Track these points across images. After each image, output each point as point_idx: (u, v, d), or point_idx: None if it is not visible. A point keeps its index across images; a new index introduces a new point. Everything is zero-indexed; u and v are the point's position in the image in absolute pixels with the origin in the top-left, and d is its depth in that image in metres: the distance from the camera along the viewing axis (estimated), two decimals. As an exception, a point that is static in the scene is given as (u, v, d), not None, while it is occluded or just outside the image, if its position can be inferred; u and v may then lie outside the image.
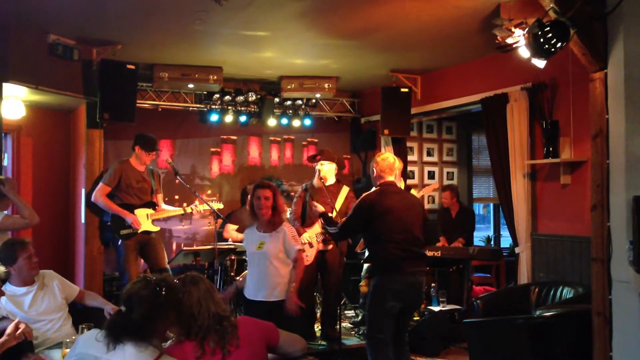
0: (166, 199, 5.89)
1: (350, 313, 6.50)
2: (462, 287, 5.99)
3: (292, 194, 6.97)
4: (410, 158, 7.50)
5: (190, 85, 6.32)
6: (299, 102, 7.10)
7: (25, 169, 5.87)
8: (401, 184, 5.28)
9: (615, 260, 3.47)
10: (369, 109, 7.49)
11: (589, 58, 3.56)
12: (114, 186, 5.33)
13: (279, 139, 7.52)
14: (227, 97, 6.72)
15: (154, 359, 2.01)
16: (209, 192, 7.00)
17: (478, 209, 12.53)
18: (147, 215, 5.44)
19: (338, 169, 5.65)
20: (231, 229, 6.19)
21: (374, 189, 4.12)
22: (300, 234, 5.27)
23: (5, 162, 5.51)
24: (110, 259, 5.89)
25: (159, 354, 2.04)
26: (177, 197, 6.51)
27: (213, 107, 6.71)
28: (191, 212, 5.81)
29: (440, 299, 5.79)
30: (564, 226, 4.99)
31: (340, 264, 5.49)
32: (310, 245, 5.31)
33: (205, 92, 6.66)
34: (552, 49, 3.37)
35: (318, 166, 5.44)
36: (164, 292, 2.10)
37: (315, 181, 5.44)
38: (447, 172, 8.07)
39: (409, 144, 7.38)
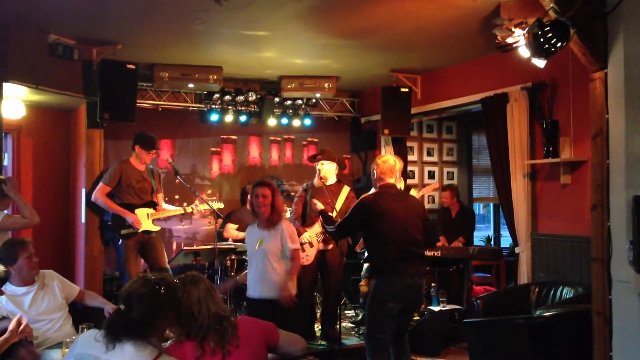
0: (166, 198, 5.89)
1: (350, 313, 6.50)
2: (462, 287, 5.99)
3: (292, 193, 6.97)
4: (410, 158, 7.50)
5: (191, 85, 6.32)
6: (299, 101, 7.10)
7: (26, 168, 5.87)
8: (401, 184, 5.28)
9: (615, 260, 3.46)
10: (369, 109, 7.49)
11: (589, 58, 3.56)
12: (114, 186, 5.33)
13: (279, 139, 7.52)
14: (227, 97, 6.72)
15: (152, 358, 2.01)
16: (209, 191, 7.00)
17: (478, 208, 12.54)
18: (148, 214, 5.44)
19: (339, 168, 5.65)
20: (231, 229, 6.20)
21: (372, 190, 4.13)
22: (300, 234, 5.28)
23: (5, 162, 5.51)
24: (110, 258, 5.89)
25: (157, 353, 2.04)
26: (177, 196, 6.51)
27: (213, 106, 6.71)
28: (191, 212, 5.81)
29: (440, 299, 5.79)
30: (564, 226, 4.99)
31: (340, 264, 5.49)
32: (311, 244, 5.31)
33: (206, 92, 6.66)
34: (552, 49, 3.37)
35: (318, 166, 5.45)
36: (163, 291, 2.10)
37: (316, 181, 5.44)
38: (447, 172, 8.07)
39: (409, 144, 7.39)
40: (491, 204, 9.44)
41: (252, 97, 6.83)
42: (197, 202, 5.68)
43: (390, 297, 3.88)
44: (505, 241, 8.28)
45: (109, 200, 5.32)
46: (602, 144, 3.57)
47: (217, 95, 6.64)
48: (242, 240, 5.69)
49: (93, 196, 5.34)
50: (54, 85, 5.19)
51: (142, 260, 5.63)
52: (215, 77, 6.18)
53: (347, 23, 4.80)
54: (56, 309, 3.69)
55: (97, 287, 5.44)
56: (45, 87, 5.08)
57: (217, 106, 6.72)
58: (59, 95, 5.33)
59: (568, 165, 4.92)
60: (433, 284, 5.99)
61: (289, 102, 7.07)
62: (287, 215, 5.57)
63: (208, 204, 5.53)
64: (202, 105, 6.74)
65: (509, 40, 4.03)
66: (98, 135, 5.68)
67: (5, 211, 4.29)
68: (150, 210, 5.48)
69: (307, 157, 7.31)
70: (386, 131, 6.50)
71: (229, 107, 6.77)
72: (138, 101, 5.85)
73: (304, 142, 7.68)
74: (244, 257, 5.65)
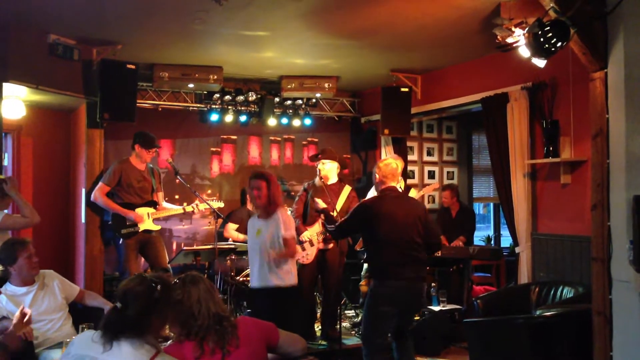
0: (166, 198, 5.89)
1: (351, 313, 6.50)
2: (463, 287, 5.99)
3: (292, 193, 6.97)
4: (410, 158, 7.50)
5: (191, 85, 6.32)
6: (299, 101, 7.09)
7: (26, 168, 5.87)
8: (401, 184, 5.28)
9: (615, 260, 3.47)
10: (369, 109, 7.49)
11: (589, 57, 3.56)
12: (114, 185, 5.33)
13: (279, 139, 7.52)
14: (227, 97, 6.72)
15: (150, 358, 2.01)
16: (209, 191, 7.00)
17: (478, 208, 12.53)
18: (148, 214, 5.45)
19: (341, 168, 5.64)
20: (231, 228, 6.20)
21: (371, 191, 4.15)
22: (301, 233, 5.29)
23: (5, 162, 5.51)
24: (110, 258, 5.89)
25: (155, 352, 2.04)
26: (177, 196, 6.51)
27: (213, 106, 6.71)
28: (192, 211, 5.80)
29: (441, 299, 5.79)
30: (564, 226, 4.99)
31: (340, 264, 5.49)
32: (311, 243, 5.32)
33: (206, 92, 6.66)
34: (552, 49, 3.37)
35: (319, 165, 5.45)
36: (159, 288, 2.11)
37: (317, 180, 5.45)
38: (447, 172, 8.07)
39: (409, 144, 7.39)
40: (491, 204, 9.44)
41: (252, 97, 6.83)
42: (197, 201, 5.68)
43: (386, 300, 3.91)
44: (506, 241, 8.28)
45: (109, 199, 5.32)
46: (603, 144, 3.57)
47: (217, 95, 6.64)
48: (242, 242, 5.70)
49: (92, 196, 5.35)
50: (54, 85, 5.19)
51: (143, 260, 5.63)
52: (215, 77, 6.18)
53: (347, 23, 4.80)
54: (56, 309, 3.69)
55: (97, 287, 5.44)
56: (45, 87, 5.08)
57: (217, 106, 6.72)
58: (59, 95, 5.33)
59: (568, 165, 4.92)
60: (433, 284, 5.98)
61: (289, 102, 7.06)
62: (288, 213, 5.57)
63: (208, 204, 5.53)
64: (202, 105, 6.74)
65: (509, 40, 4.03)
66: (98, 135, 5.68)
67: (6, 211, 4.29)
68: (151, 210, 5.48)
69: (309, 156, 7.31)
70: (386, 131, 6.50)
71: (229, 107, 6.77)
72: (138, 101, 5.85)
73: (304, 142, 7.68)
74: (244, 257, 5.65)
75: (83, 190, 5.68)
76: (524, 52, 3.77)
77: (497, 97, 5.48)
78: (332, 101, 7.48)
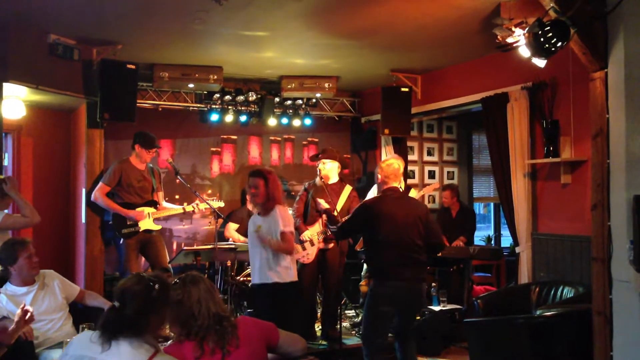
0: (166, 198, 5.89)
1: (351, 313, 6.50)
2: (463, 287, 5.99)
3: (293, 193, 6.97)
4: (410, 157, 7.50)
5: (191, 85, 6.32)
6: (299, 101, 7.09)
7: (26, 168, 5.87)
8: (402, 184, 5.28)
9: (615, 260, 3.46)
10: (370, 109, 7.49)
11: (590, 57, 3.56)
12: (114, 185, 5.33)
13: (279, 139, 7.52)
14: (228, 97, 6.72)
15: (149, 357, 2.01)
16: (210, 191, 7.00)
17: (478, 208, 12.53)
18: (149, 214, 5.44)
19: (341, 168, 5.64)
20: (232, 228, 6.20)
21: (371, 191, 4.16)
22: (302, 232, 5.29)
23: (5, 162, 5.51)
24: (110, 258, 5.89)
25: (154, 351, 2.04)
26: (177, 196, 6.51)
27: (213, 106, 6.71)
28: (192, 210, 5.79)
29: (441, 299, 5.79)
30: (565, 225, 4.99)
31: (340, 263, 5.49)
32: (312, 243, 5.32)
33: (206, 92, 6.66)
34: (553, 49, 3.37)
35: (320, 165, 5.45)
36: (156, 287, 2.11)
37: (317, 180, 5.45)
38: (448, 172, 8.07)
39: (409, 144, 7.38)
40: (491, 204, 9.44)
41: (252, 97, 6.83)
42: (197, 201, 5.68)
43: (384, 301, 3.94)
44: (506, 241, 8.28)
45: (108, 199, 5.32)
46: (603, 144, 3.57)
47: (217, 95, 6.64)
48: (243, 243, 5.69)
49: (93, 196, 5.35)
50: (54, 85, 5.19)
51: (143, 260, 5.63)
52: (216, 77, 6.18)
53: (347, 23, 4.80)
54: (56, 309, 3.69)
55: (98, 287, 5.44)
56: (45, 87, 5.08)
57: (217, 106, 6.72)
58: (59, 95, 5.33)
59: (568, 164, 4.92)
60: (433, 284, 5.98)
61: (289, 102, 7.06)
62: (290, 212, 5.56)
63: (208, 203, 5.53)
64: (202, 105, 6.74)
65: (509, 40, 4.03)
66: (98, 135, 5.68)
67: (6, 210, 4.29)
68: (151, 209, 5.48)
69: (309, 156, 7.32)
70: (386, 131, 6.50)
71: (229, 107, 6.77)
72: (138, 101, 5.85)
73: (304, 142, 7.68)
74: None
75: (83, 190, 5.68)
76: (524, 52, 3.77)
77: (497, 97, 5.48)
78: (332, 101, 7.48)
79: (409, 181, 7.33)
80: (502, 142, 5.43)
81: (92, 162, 5.65)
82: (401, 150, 6.91)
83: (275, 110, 7.06)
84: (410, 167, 7.51)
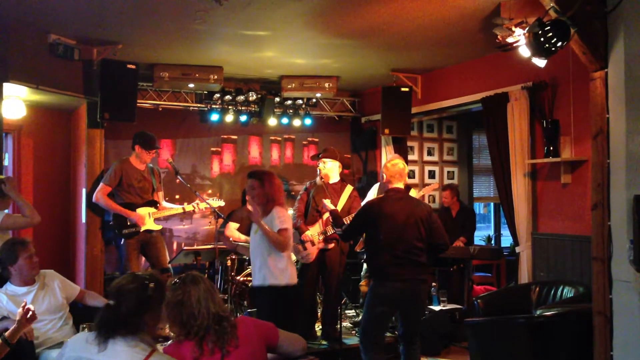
0: (166, 198, 5.89)
1: (351, 312, 6.50)
2: (463, 287, 5.99)
3: (293, 193, 6.97)
4: (410, 157, 7.50)
5: (191, 85, 6.32)
6: (300, 101, 7.09)
7: (26, 168, 5.87)
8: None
9: (615, 260, 3.46)
10: (370, 109, 7.49)
11: (590, 57, 3.56)
12: (115, 186, 5.33)
13: (279, 139, 7.52)
14: (228, 97, 6.72)
15: (145, 357, 2.01)
16: (210, 191, 7.00)
17: (478, 208, 12.54)
18: (149, 214, 5.44)
19: (343, 167, 5.63)
20: (233, 227, 6.19)
21: (371, 191, 4.17)
22: (302, 232, 5.29)
23: (6, 162, 5.51)
24: (111, 258, 5.89)
25: (150, 351, 2.04)
26: (177, 196, 6.51)
27: (213, 106, 6.71)
28: (192, 210, 5.79)
29: (441, 299, 5.79)
30: (565, 225, 4.99)
31: (340, 263, 5.48)
32: (312, 243, 5.31)
33: (206, 92, 6.66)
34: (553, 48, 3.37)
35: (320, 164, 5.44)
36: (152, 286, 2.12)
37: (318, 179, 5.44)
38: (448, 172, 8.06)
39: (409, 144, 7.39)
40: (492, 204, 9.44)
41: (253, 97, 6.83)
42: (197, 201, 5.68)
43: (380, 301, 3.97)
44: (506, 241, 8.28)
45: (110, 200, 5.32)
46: (603, 144, 3.57)
47: (218, 95, 6.65)
48: (243, 242, 5.69)
49: (94, 197, 5.34)
50: (55, 85, 5.19)
51: (144, 260, 5.63)
52: (216, 77, 6.18)
53: (347, 23, 4.80)
54: (57, 308, 3.70)
55: (98, 287, 5.44)
56: (45, 87, 5.08)
57: (217, 106, 6.72)
58: (60, 95, 5.33)
59: (568, 164, 4.92)
60: (434, 284, 5.98)
61: (289, 102, 7.07)
62: (290, 212, 5.56)
63: (208, 203, 5.53)
64: (203, 105, 6.74)
65: (510, 39, 4.02)
66: (98, 135, 5.68)
67: (6, 210, 4.29)
68: (152, 209, 5.48)
69: (310, 156, 7.32)
70: (386, 131, 6.50)
71: (230, 107, 6.78)
72: (138, 101, 5.85)
73: (305, 142, 7.68)
74: (245, 257, 5.66)
75: (83, 190, 5.69)
76: (524, 51, 3.77)
77: (497, 97, 5.48)
78: (332, 101, 7.48)
79: (409, 181, 7.32)
80: (502, 142, 5.43)
81: (92, 162, 5.65)
82: (401, 150, 6.91)
83: (275, 110, 7.06)
84: (410, 167, 7.50)
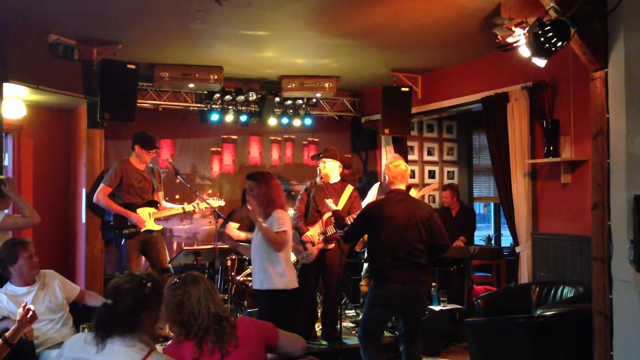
0: (166, 198, 5.89)
1: (351, 312, 6.50)
2: (463, 287, 5.99)
3: (293, 193, 6.97)
4: (410, 157, 7.50)
5: (191, 85, 6.32)
6: (300, 101, 7.10)
7: (26, 168, 5.87)
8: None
9: (615, 260, 3.46)
10: (370, 109, 7.49)
11: (590, 57, 3.56)
12: (115, 186, 5.33)
13: (279, 139, 7.52)
14: (228, 97, 6.73)
15: (144, 356, 2.01)
16: (210, 191, 7.00)
17: (478, 208, 12.54)
18: (150, 214, 5.45)
19: (343, 167, 5.63)
20: (233, 227, 6.19)
21: (371, 191, 4.17)
22: (303, 232, 5.29)
23: (6, 162, 5.51)
24: (111, 258, 5.89)
25: (148, 350, 2.04)
26: (177, 196, 6.51)
27: (213, 106, 6.71)
28: (192, 210, 5.79)
29: (441, 299, 5.79)
30: (565, 225, 4.99)
31: (341, 263, 5.48)
32: (312, 243, 5.31)
33: (206, 92, 6.66)
34: (553, 48, 3.37)
35: (320, 164, 5.44)
36: (149, 285, 2.12)
37: (318, 179, 5.44)
38: (448, 172, 8.07)
39: (409, 143, 7.39)
40: (492, 204, 9.44)
41: (253, 96, 6.84)
42: (197, 200, 5.68)
43: (379, 302, 3.99)
44: (506, 240, 8.28)
45: (111, 201, 5.32)
46: (603, 144, 3.57)
47: (218, 95, 6.65)
48: (243, 241, 5.70)
49: (95, 198, 5.34)
50: (54, 85, 5.19)
51: (144, 260, 5.63)
52: (216, 77, 6.18)
53: (347, 22, 4.80)
54: (57, 309, 3.70)
55: (98, 287, 5.43)
56: (45, 87, 5.08)
57: (217, 106, 6.72)
58: (60, 95, 5.33)
59: (568, 164, 4.92)
60: (434, 284, 5.98)
61: (289, 102, 7.07)
62: (291, 212, 5.56)
63: (208, 203, 5.53)
64: (203, 105, 6.74)
65: (510, 39, 4.02)
66: (98, 135, 5.67)
67: (6, 211, 4.29)
68: (152, 210, 5.48)
69: (311, 155, 7.31)
70: (387, 131, 6.50)
71: (230, 107, 6.78)
72: (138, 101, 5.85)
73: (305, 142, 7.68)
74: (245, 257, 5.65)
75: (83, 190, 5.69)
76: (524, 51, 3.77)
77: (497, 97, 5.48)
78: (332, 101, 7.48)
79: (409, 181, 7.31)
80: (502, 142, 5.43)
81: (92, 162, 5.65)
82: (401, 150, 6.91)
83: (275, 110, 7.06)
84: (410, 167, 7.47)
